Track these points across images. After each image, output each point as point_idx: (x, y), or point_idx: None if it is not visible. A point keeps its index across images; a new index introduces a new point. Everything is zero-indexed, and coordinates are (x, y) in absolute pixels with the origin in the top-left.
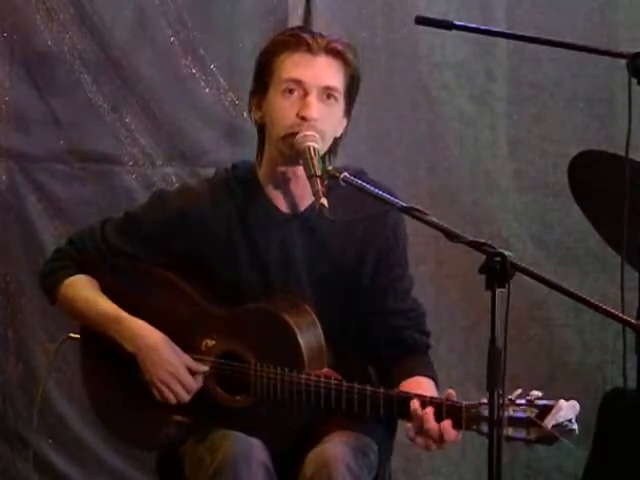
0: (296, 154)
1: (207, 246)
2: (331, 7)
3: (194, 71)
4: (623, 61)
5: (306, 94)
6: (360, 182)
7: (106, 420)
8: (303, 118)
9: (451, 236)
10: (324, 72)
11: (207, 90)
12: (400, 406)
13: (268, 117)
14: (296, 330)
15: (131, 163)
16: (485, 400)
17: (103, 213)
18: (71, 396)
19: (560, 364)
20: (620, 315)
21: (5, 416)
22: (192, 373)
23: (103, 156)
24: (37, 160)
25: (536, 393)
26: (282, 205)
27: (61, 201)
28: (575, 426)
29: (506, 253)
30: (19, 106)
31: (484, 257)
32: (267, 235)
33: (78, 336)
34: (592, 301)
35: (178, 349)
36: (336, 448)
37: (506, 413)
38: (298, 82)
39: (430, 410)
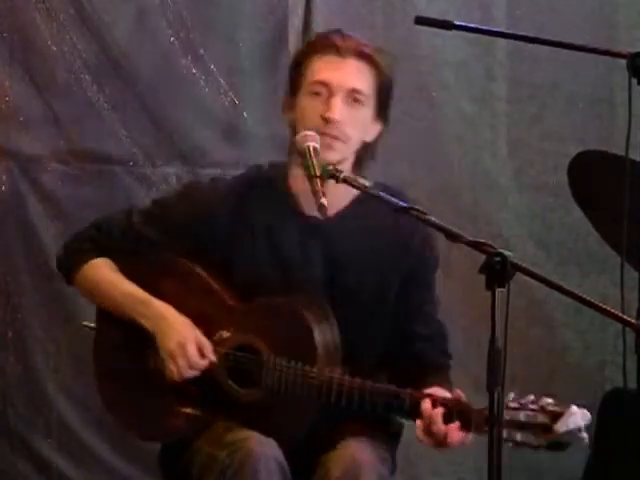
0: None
1: (230, 243)
2: (331, 7)
3: (194, 71)
4: (623, 61)
5: (331, 96)
6: (359, 182)
7: (115, 410)
8: (326, 119)
9: (451, 236)
10: (351, 75)
11: (207, 90)
12: (411, 405)
13: (296, 118)
14: (313, 326)
15: (131, 163)
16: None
17: (103, 213)
18: (71, 396)
19: (560, 364)
20: (620, 315)
21: (5, 416)
22: (202, 355)
23: (103, 156)
24: (37, 160)
25: (547, 400)
26: (307, 207)
27: (61, 201)
28: (585, 435)
29: (506, 253)
30: (19, 106)
31: (484, 257)
32: (288, 236)
33: (92, 325)
34: (592, 301)
35: (198, 332)
36: (363, 452)
37: (516, 417)
38: (324, 84)
39: (439, 411)
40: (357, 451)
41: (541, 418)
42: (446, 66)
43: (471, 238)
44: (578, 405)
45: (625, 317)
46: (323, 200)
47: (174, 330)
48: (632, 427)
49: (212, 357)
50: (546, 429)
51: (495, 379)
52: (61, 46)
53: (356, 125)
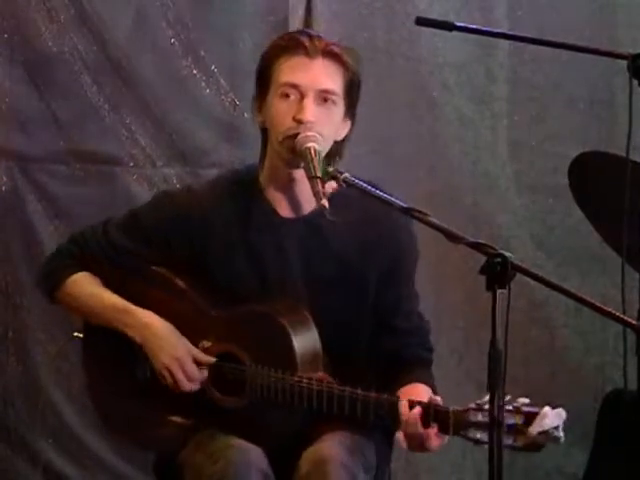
0: (297, 156)
1: (206, 247)
2: (331, 7)
3: (194, 72)
4: (624, 62)
5: (302, 97)
6: (360, 183)
7: (106, 419)
8: (299, 121)
9: (451, 237)
10: (321, 75)
11: (207, 91)
12: (390, 410)
13: (268, 121)
14: (291, 333)
15: (131, 164)
16: (473, 405)
17: (103, 213)
18: (71, 396)
19: (560, 365)
20: (620, 316)
21: (5, 416)
22: (198, 364)
23: (103, 157)
24: (37, 160)
25: (523, 400)
26: (283, 208)
27: (61, 201)
28: (561, 434)
29: (506, 254)
30: (19, 106)
31: (484, 258)
32: (264, 238)
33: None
34: (592, 302)
35: (184, 339)
36: (332, 447)
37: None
38: (295, 86)
39: (417, 411)
40: (326, 447)
41: (516, 420)
42: (447, 67)
43: (471, 239)
44: (552, 406)
45: (625, 318)
46: (324, 201)
47: (165, 342)
48: (632, 428)
49: (210, 359)
50: (521, 430)
51: (496, 380)
52: (61, 46)
53: (329, 125)
